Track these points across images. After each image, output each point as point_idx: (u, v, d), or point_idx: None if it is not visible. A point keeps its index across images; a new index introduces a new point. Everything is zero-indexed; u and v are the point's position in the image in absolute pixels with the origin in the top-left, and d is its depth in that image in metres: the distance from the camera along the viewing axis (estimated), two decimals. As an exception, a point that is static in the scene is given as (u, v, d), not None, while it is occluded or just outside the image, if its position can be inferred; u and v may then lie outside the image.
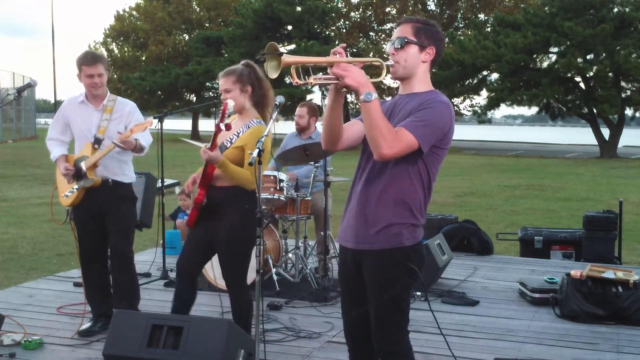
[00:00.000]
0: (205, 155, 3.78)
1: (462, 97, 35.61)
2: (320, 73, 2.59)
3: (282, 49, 2.47)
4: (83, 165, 4.43)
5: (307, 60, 2.53)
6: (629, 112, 30.05)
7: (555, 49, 28.77)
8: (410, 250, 2.75)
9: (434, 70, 2.89)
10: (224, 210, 3.95)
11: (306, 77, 2.54)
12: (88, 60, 4.43)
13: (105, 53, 45.01)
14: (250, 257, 4.07)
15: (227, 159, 3.88)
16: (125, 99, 4.68)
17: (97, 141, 4.45)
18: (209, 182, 3.97)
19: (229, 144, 3.97)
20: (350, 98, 35.05)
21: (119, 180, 4.53)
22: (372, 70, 2.75)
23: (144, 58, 43.87)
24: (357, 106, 34.49)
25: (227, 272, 4.07)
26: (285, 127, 6.38)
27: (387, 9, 37.90)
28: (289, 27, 34.85)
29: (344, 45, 2.62)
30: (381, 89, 31.87)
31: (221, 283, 5.30)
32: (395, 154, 2.59)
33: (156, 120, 5.89)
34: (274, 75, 2.50)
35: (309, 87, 2.59)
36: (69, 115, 4.58)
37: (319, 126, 6.04)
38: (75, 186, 4.46)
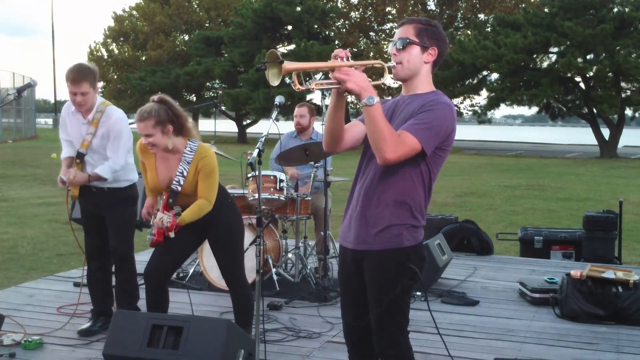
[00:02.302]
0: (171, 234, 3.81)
1: (462, 97, 35.61)
2: (319, 75, 2.59)
3: (281, 49, 2.47)
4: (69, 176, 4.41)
5: (308, 67, 2.54)
6: (629, 112, 30.06)
7: (555, 49, 28.77)
8: (411, 251, 2.75)
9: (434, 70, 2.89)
10: (205, 219, 3.96)
11: (308, 82, 2.54)
12: (71, 78, 4.25)
13: (105, 53, 45.02)
14: (243, 250, 4.17)
15: (188, 193, 3.90)
16: (114, 108, 4.48)
17: (80, 156, 4.42)
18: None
19: (179, 187, 3.90)
20: (350, 98, 35.07)
21: (115, 186, 4.50)
22: (374, 70, 2.75)
23: (144, 58, 43.86)
24: (357, 106, 34.47)
25: (230, 272, 4.12)
26: (286, 127, 6.37)
27: (387, 9, 37.91)
28: (289, 27, 34.84)
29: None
30: (381, 89, 31.86)
31: (221, 283, 5.32)
32: (398, 157, 2.58)
33: None
34: (275, 82, 2.50)
35: (309, 81, 2.59)
36: (66, 120, 4.58)
37: (318, 126, 6.03)
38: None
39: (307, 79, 2.55)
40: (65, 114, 4.58)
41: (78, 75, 4.25)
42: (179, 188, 3.90)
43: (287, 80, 2.54)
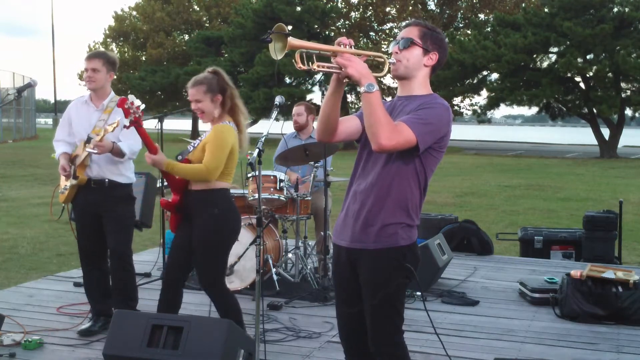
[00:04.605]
0: (149, 160, 3.84)
1: (462, 97, 35.61)
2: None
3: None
4: (76, 163, 4.45)
5: (312, 46, 2.55)
6: (628, 112, 30.06)
7: (555, 49, 28.78)
8: (407, 250, 2.76)
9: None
10: (196, 214, 3.96)
11: (310, 63, 2.55)
12: (87, 55, 4.51)
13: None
14: (223, 260, 4.04)
15: (191, 160, 3.93)
16: None
17: (89, 140, 4.41)
18: (180, 186, 3.98)
19: (191, 148, 3.99)
20: (350, 98, 35.14)
21: (115, 180, 4.50)
22: (373, 68, 2.77)
23: (143, 58, 43.82)
24: (357, 106, 34.45)
25: (199, 276, 4.06)
26: (288, 128, 6.39)
27: (387, 9, 37.87)
28: (289, 27, 34.82)
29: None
30: (381, 89, 31.85)
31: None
32: (393, 146, 2.59)
33: (156, 120, 5.89)
34: (279, 56, 2.50)
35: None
36: (72, 114, 4.60)
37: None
38: (68, 184, 4.49)
39: (310, 62, 2.56)
40: (73, 109, 4.61)
41: (92, 53, 4.53)
42: (187, 156, 3.97)
43: (288, 80, 2.54)
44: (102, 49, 44.71)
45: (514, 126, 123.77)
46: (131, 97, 3.83)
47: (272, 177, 5.73)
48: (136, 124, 3.84)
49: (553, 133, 70.20)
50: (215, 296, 4.05)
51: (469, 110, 36.60)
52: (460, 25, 38.45)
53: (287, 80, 33.47)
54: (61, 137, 4.62)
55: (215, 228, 3.94)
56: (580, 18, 27.08)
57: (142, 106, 3.89)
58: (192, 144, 4.05)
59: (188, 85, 3.98)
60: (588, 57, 28.14)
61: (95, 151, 4.29)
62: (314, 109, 6.45)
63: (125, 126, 3.88)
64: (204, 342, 3.41)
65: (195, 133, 41.60)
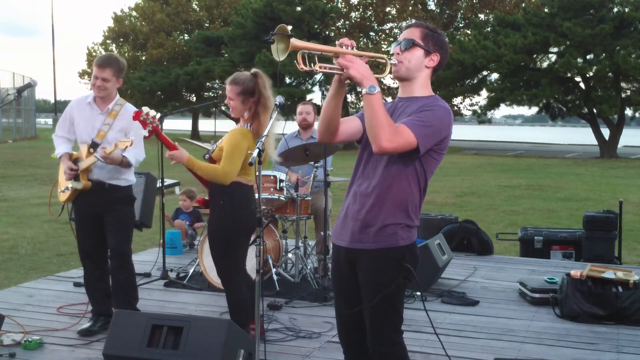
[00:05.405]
0: (170, 158, 3.94)
1: (462, 97, 35.61)
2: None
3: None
4: (79, 167, 4.45)
5: (314, 47, 2.55)
6: (628, 112, 30.06)
7: (555, 49, 28.78)
8: (406, 250, 2.76)
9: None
10: (210, 208, 4.09)
11: (312, 64, 2.56)
12: (99, 61, 4.44)
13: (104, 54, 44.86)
14: (234, 256, 4.09)
15: (213, 157, 4.02)
16: (132, 106, 4.56)
17: (94, 145, 4.43)
18: (207, 182, 4.07)
19: (214, 146, 4.10)
20: (350, 98, 35.11)
21: (115, 184, 4.51)
22: (375, 70, 2.77)
23: (143, 58, 43.82)
24: (358, 107, 34.44)
25: (219, 271, 4.17)
26: (290, 128, 6.40)
27: (387, 9, 37.85)
28: (289, 28, 34.78)
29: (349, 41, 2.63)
30: (382, 89, 31.85)
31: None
32: (394, 148, 2.59)
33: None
34: (281, 57, 2.51)
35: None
36: (74, 114, 4.57)
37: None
38: (70, 185, 4.48)
39: (312, 63, 2.56)
40: (75, 108, 4.57)
41: (104, 61, 4.44)
42: (210, 155, 4.08)
43: (288, 80, 2.55)
44: (101, 49, 44.75)
45: (514, 126, 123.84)
46: (145, 109, 3.93)
47: (272, 177, 5.73)
48: (155, 132, 3.95)
49: (553, 133, 70.23)
50: (226, 292, 4.13)
51: (469, 110, 36.61)
52: (460, 25, 38.44)
53: (287, 80, 33.50)
54: (61, 133, 4.60)
55: (218, 221, 4.01)
56: (580, 18, 27.08)
57: (158, 115, 4.00)
58: (216, 142, 4.15)
59: (227, 80, 4.07)
60: (588, 57, 28.14)
61: (104, 161, 4.31)
62: (315, 109, 6.47)
63: (145, 137, 4.01)
64: (204, 342, 3.41)
65: (195, 133, 41.63)
